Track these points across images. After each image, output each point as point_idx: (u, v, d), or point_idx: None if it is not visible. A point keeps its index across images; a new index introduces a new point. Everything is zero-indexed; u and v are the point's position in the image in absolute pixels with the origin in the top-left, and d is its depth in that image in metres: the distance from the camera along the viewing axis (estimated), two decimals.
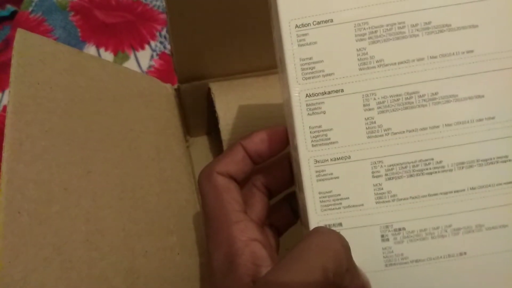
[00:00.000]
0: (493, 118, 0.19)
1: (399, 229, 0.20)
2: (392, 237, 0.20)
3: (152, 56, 0.56)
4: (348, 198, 0.20)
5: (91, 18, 0.60)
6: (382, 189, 0.20)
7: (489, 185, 0.20)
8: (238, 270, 0.19)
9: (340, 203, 0.20)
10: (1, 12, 0.63)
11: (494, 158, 0.19)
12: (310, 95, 0.19)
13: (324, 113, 0.19)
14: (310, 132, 0.19)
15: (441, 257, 0.20)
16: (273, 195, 0.24)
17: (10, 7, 0.63)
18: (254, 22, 0.23)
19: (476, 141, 0.19)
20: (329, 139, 0.19)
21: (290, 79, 0.19)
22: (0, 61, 0.56)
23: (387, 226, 0.20)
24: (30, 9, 0.61)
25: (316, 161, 0.19)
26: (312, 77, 0.19)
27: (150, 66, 0.56)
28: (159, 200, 0.31)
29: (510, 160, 0.19)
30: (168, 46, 0.57)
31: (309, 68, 0.19)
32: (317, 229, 0.19)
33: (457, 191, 0.20)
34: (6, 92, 0.55)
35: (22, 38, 0.25)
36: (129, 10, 0.60)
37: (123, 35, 0.58)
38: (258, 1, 0.19)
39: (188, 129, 0.44)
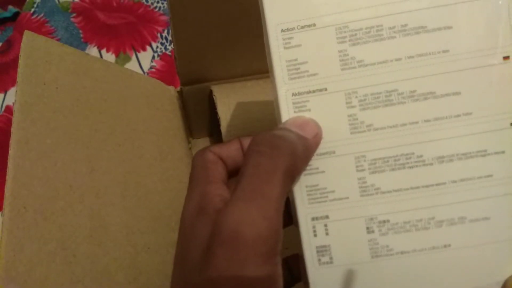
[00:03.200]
0: (470, 113, 0.20)
1: (384, 221, 0.21)
2: (377, 229, 0.21)
3: (153, 57, 0.58)
4: (334, 191, 0.21)
5: (92, 20, 0.61)
6: (366, 182, 0.21)
7: (470, 179, 0.21)
8: (209, 210, 0.20)
9: (327, 196, 0.21)
10: (3, 13, 0.64)
11: (473, 152, 0.20)
12: (296, 94, 0.21)
13: (310, 110, 0.21)
14: None
15: (425, 249, 0.21)
16: None
17: (12, 8, 0.64)
18: (255, 26, 0.24)
19: (454, 136, 0.20)
20: None
21: (277, 79, 0.21)
22: (2, 62, 0.58)
23: (371, 219, 0.21)
24: (32, 10, 0.62)
25: None
26: (298, 77, 0.20)
27: (151, 67, 0.57)
28: (161, 198, 0.32)
29: (489, 154, 0.20)
30: (169, 47, 0.59)
31: (295, 69, 0.20)
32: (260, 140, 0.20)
33: (438, 184, 0.21)
34: (8, 92, 0.56)
35: (29, 40, 0.26)
36: (131, 12, 0.62)
37: (124, 36, 0.60)
38: (258, 7, 0.21)
39: (190, 131, 0.45)
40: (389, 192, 0.21)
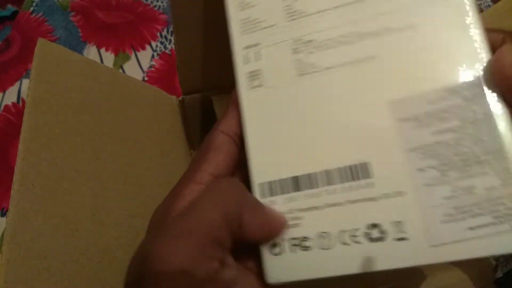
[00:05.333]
0: None
1: (309, 41, 0.24)
2: (303, 48, 0.24)
3: (152, 56, 0.60)
4: (264, 20, 0.25)
5: (92, 18, 0.64)
6: (292, 7, 0.25)
7: None
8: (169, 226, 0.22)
9: (258, 26, 0.25)
10: (2, 12, 0.67)
11: None
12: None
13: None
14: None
15: (350, 62, 0.23)
16: None
17: (11, 7, 0.68)
18: None
19: None
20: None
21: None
22: (1, 61, 0.60)
23: (298, 40, 0.24)
24: (31, 9, 0.65)
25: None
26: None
27: (150, 66, 0.59)
28: (162, 190, 0.35)
29: None
30: (169, 47, 0.61)
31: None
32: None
33: (359, 1, 0.23)
34: (7, 92, 0.59)
35: (42, 46, 0.31)
36: (130, 10, 0.65)
37: (123, 35, 0.62)
38: None
39: (191, 143, 0.48)
40: (312, 14, 0.24)
